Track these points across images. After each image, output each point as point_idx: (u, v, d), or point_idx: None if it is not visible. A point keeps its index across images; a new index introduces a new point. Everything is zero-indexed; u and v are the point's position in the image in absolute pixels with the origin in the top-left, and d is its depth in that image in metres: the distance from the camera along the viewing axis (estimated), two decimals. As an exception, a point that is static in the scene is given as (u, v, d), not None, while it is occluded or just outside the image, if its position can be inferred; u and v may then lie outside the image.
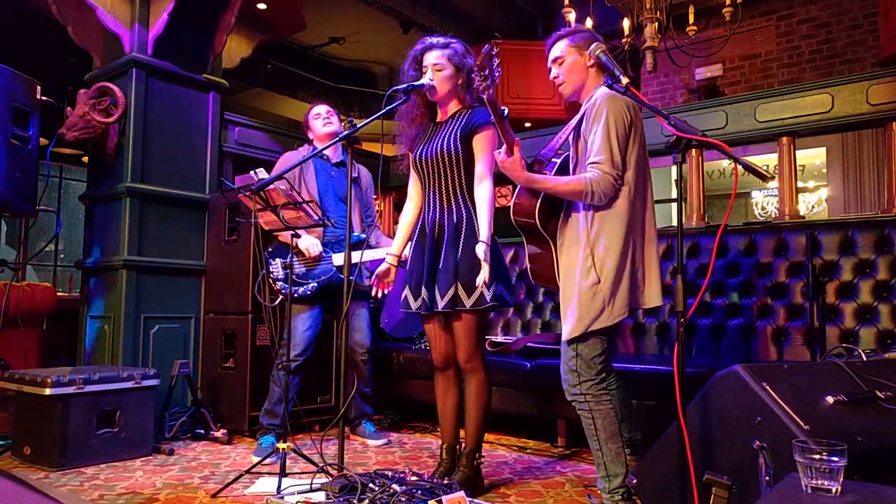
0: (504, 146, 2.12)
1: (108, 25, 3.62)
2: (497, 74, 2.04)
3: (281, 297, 3.22)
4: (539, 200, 2.20)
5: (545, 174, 2.22)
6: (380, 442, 3.37)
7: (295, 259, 3.25)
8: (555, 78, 2.31)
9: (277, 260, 3.27)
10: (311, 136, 3.51)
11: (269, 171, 2.83)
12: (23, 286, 3.68)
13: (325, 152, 3.41)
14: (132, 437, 3.02)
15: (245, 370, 3.45)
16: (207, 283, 3.83)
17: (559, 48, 2.28)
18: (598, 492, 2.27)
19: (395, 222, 5.44)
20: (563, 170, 2.27)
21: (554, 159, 2.30)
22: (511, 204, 2.26)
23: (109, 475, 2.74)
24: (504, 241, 4.16)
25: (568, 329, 2.15)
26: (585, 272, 2.10)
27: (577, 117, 2.24)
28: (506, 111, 2.13)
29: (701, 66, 6.91)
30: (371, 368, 3.49)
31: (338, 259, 3.25)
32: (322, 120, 3.46)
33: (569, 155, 2.30)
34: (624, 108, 2.13)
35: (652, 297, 2.16)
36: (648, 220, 2.19)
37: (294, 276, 3.22)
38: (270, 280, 3.25)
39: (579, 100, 2.31)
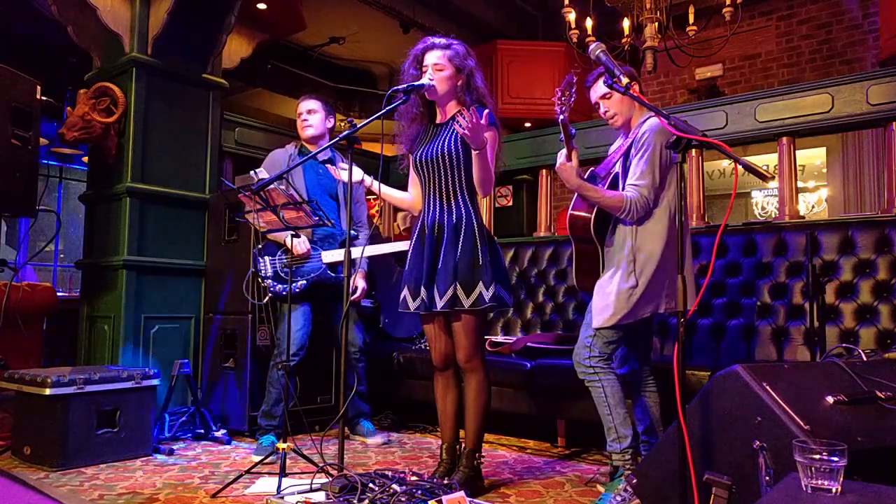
0: (564, 151, 2.40)
1: (108, 25, 3.62)
2: (572, 100, 2.30)
3: (269, 295, 3.21)
4: (594, 214, 2.47)
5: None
6: (378, 440, 3.37)
7: (284, 257, 3.25)
8: (605, 112, 2.53)
9: (266, 258, 3.26)
10: None
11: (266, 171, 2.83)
12: (23, 286, 3.67)
13: (311, 150, 3.39)
14: (132, 437, 3.02)
15: (245, 370, 3.45)
16: (207, 283, 3.83)
17: (603, 86, 2.49)
18: (598, 486, 2.51)
19: (395, 221, 5.44)
20: (612, 186, 2.51)
21: (605, 178, 2.53)
22: (569, 214, 2.54)
23: (109, 475, 2.74)
24: (503, 242, 4.17)
25: (601, 319, 2.41)
26: (626, 275, 2.39)
27: (628, 142, 2.47)
28: (574, 131, 2.42)
29: (701, 66, 6.90)
30: (365, 366, 3.48)
31: (326, 256, 3.24)
32: (300, 120, 3.43)
33: (618, 174, 2.51)
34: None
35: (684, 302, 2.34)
36: (686, 233, 2.44)
37: (282, 274, 3.22)
38: (259, 278, 3.24)
39: (630, 129, 2.54)
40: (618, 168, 2.50)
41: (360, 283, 3.39)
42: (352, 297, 3.34)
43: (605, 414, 2.44)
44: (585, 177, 2.48)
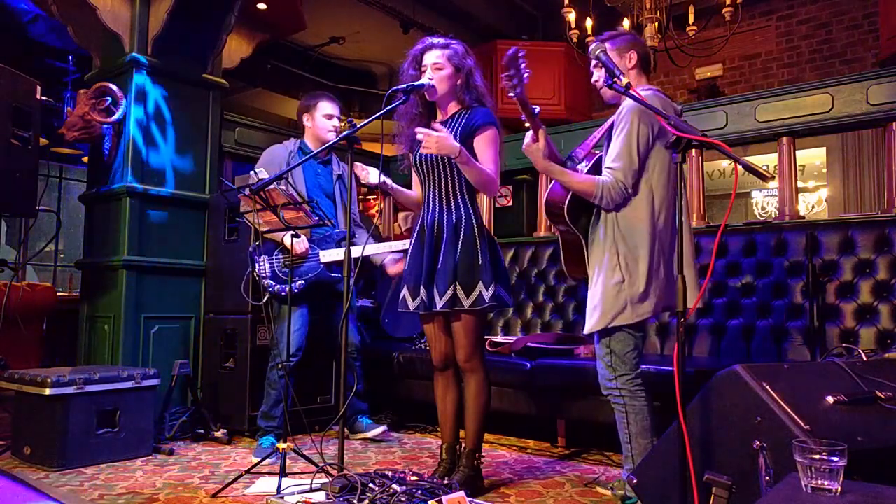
0: (531, 132, 2.22)
1: (108, 25, 3.61)
2: (525, 75, 2.07)
3: (268, 294, 3.19)
4: (569, 197, 2.27)
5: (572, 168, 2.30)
6: (378, 431, 3.37)
7: (280, 256, 3.24)
8: (596, 81, 2.37)
9: (264, 257, 3.24)
10: (307, 124, 3.41)
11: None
12: (23, 286, 3.68)
13: (312, 149, 3.37)
14: (132, 437, 3.02)
15: (245, 370, 3.44)
16: (207, 283, 3.83)
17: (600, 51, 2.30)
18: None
19: (395, 221, 5.44)
20: (595, 168, 2.31)
21: (585, 159, 2.36)
22: (545, 198, 2.35)
23: (109, 475, 2.74)
24: (503, 242, 4.17)
25: (591, 323, 2.23)
26: (611, 270, 2.19)
27: (611, 120, 2.31)
28: (537, 109, 2.19)
29: (701, 66, 6.90)
30: (362, 365, 3.48)
31: (325, 256, 3.23)
32: (328, 121, 3.36)
33: (601, 156, 2.34)
34: (649, 120, 2.17)
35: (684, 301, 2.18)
36: (673, 233, 2.24)
37: (280, 274, 3.21)
38: (256, 277, 3.22)
39: (619, 102, 2.34)
40: (603, 150, 2.35)
41: (398, 267, 3.27)
42: (394, 271, 3.27)
43: (624, 441, 2.28)
44: (563, 158, 2.33)
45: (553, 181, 2.34)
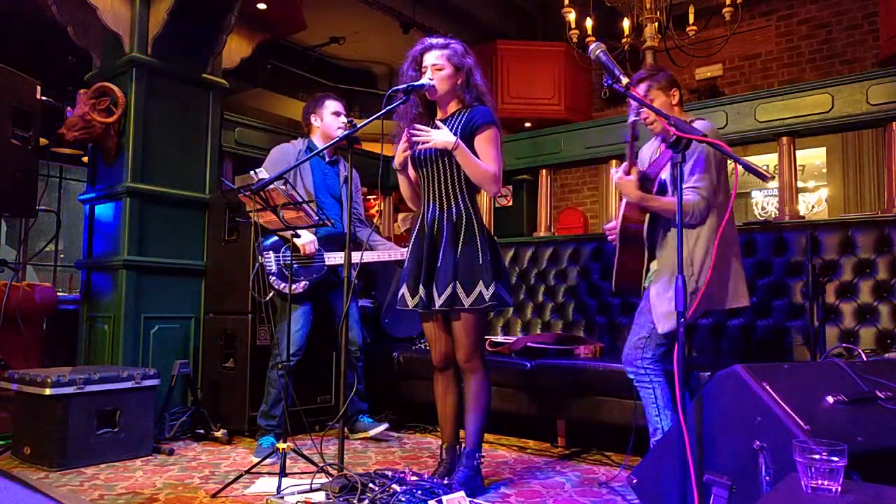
0: (625, 164, 2.49)
1: (108, 25, 3.62)
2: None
3: (273, 292, 3.19)
4: (648, 214, 2.52)
5: (650, 189, 2.52)
6: (380, 429, 3.37)
7: (289, 253, 3.24)
8: (645, 118, 2.58)
9: (271, 253, 3.24)
10: (315, 123, 3.43)
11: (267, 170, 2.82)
12: (23, 286, 3.67)
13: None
14: (132, 437, 3.02)
15: (245, 370, 3.44)
16: (207, 283, 3.83)
17: (644, 90, 2.55)
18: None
19: (395, 221, 5.45)
20: (661, 188, 2.55)
21: (652, 182, 2.56)
22: (621, 214, 2.55)
23: (109, 475, 2.74)
24: (503, 242, 4.17)
25: (668, 325, 2.41)
26: (686, 279, 2.35)
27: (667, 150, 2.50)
28: (637, 132, 2.49)
29: (701, 66, 6.90)
30: (364, 365, 3.48)
31: (330, 258, 3.24)
32: (337, 119, 3.39)
33: (664, 181, 2.54)
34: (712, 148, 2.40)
35: (739, 296, 2.50)
36: (735, 233, 2.52)
37: (286, 272, 3.20)
38: (263, 272, 3.21)
39: (668, 136, 2.44)
40: (665, 175, 2.51)
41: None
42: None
43: (653, 415, 2.45)
44: (639, 178, 2.51)
45: (624, 201, 2.54)
